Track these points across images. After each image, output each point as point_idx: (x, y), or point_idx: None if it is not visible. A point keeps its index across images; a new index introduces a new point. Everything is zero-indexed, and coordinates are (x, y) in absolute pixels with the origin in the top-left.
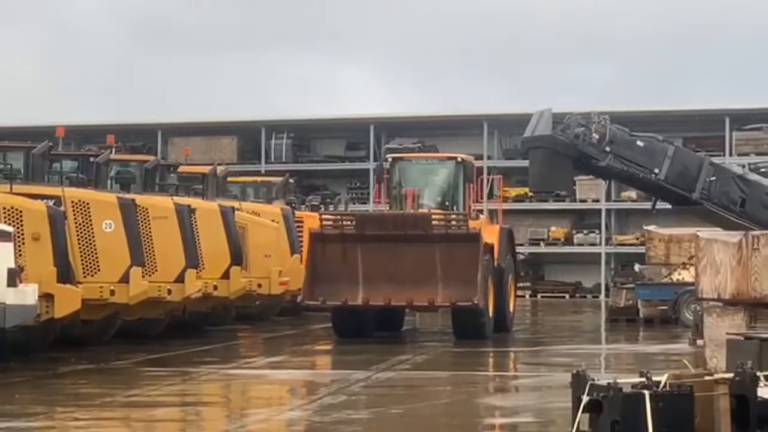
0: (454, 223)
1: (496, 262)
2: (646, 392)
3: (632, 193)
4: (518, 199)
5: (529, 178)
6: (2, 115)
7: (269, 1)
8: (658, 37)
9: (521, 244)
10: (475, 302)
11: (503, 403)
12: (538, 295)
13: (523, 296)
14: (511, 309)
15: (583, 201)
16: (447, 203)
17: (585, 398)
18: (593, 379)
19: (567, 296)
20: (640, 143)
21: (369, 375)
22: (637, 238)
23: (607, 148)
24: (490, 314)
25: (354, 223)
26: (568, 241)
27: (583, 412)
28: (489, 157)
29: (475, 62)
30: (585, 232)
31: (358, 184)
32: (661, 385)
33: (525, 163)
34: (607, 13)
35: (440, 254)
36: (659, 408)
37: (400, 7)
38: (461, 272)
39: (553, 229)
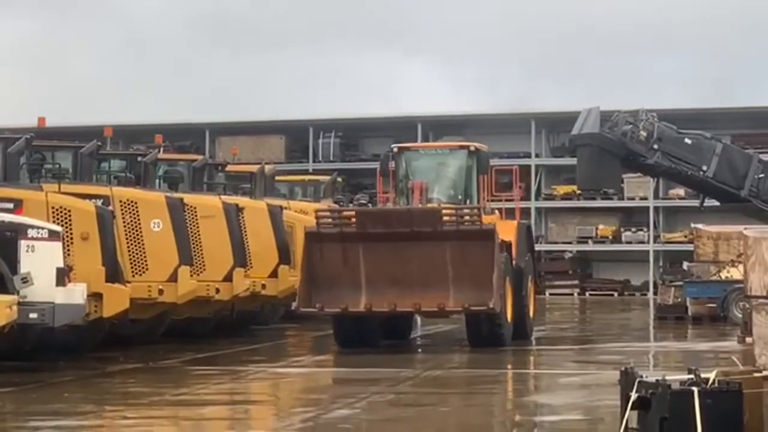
0: (467, 218)
1: (514, 262)
2: (695, 389)
3: (680, 191)
4: (566, 197)
5: (577, 176)
6: (61, 114)
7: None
8: (717, 31)
9: (568, 242)
10: (491, 306)
11: (552, 401)
12: (586, 293)
13: (572, 294)
14: (531, 314)
15: (631, 199)
16: (459, 197)
17: (634, 395)
18: (642, 377)
19: (615, 294)
20: (687, 140)
21: (417, 373)
22: (686, 236)
23: (655, 146)
24: (509, 319)
25: (354, 220)
26: (616, 238)
27: (631, 409)
28: (537, 155)
29: (534, 59)
30: (633, 229)
31: None
32: (710, 382)
33: (573, 161)
34: (668, 7)
35: (451, 253)
36: (708, 405)
37: (462, 4)
38: (475, 273)
39: (601, 227)
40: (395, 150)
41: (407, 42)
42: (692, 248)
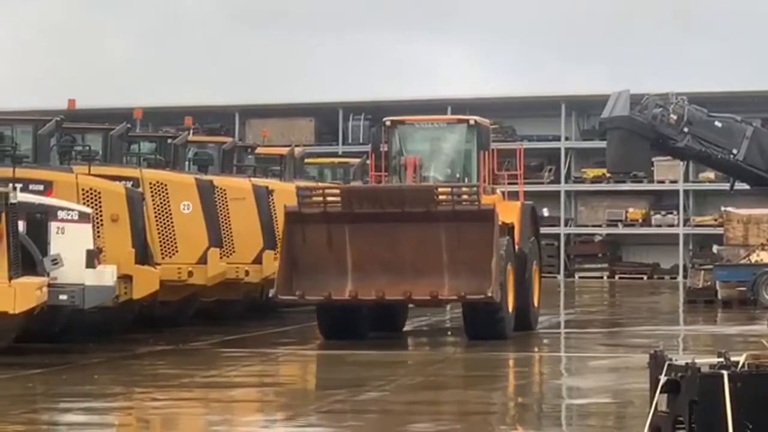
0: (465, 197)
1: (516, 246)
2: (725, 372)
3: (710, 174)
4: (596, 179)
5: (607, 159)
6: (91, 96)
7: None
8: (748, 14)
9: (599, 225)
10: (489, 295)
11: (581, 384)
12: (616, 276)
13: (601, 277)
14: (536, 302)
15: (660, 182)
16: (457, 176)
17: (663, 379)
18: (671, 360)
19: (645, 277)
20: (718, 124)
21: (446, 356)
22: (716, 219)
23: (685, 129)
24: (510, 309)
25: (340, 198)
26: (646, 222)
27: (661, 392)
28: (567, 138)
29: (570, 42)
30: (663, 213)
31: None
32: (740, 365)
33: (603, 144)
34: None
35: (446, 236)
36: (737, 388)
37: None
38: (472, 258)
39: (630, 210)
40: (387, 124)
41: (439, 24)
42: (722, 231)
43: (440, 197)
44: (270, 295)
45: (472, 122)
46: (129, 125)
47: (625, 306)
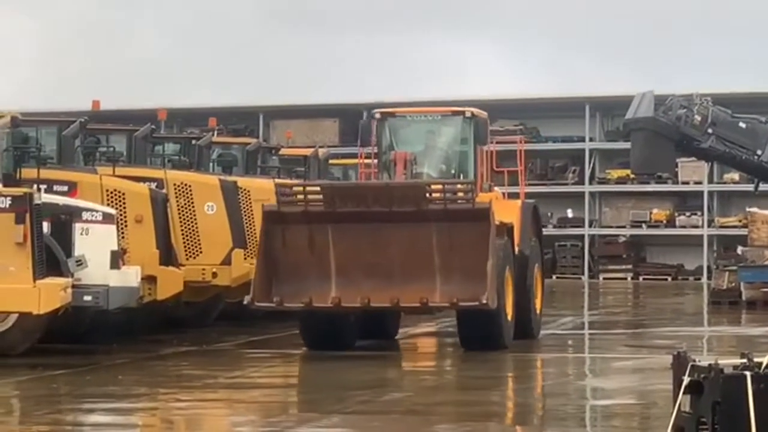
0: (461, 194)
1: (516, 248)
2: (748, 373)
3: (735, 175)
4: (620, 180)
5: (631, 160)
6: (116, 98)
7: None
8: None
9: (623, 226)
10: (484, 302)
11: (605, 385)
12: (640, 278)
13: (625, 278)
14: (537, 309)
15: (685, 183)
16: (452, 172)
17: (686, 380)
18: (694, 361)
19: (669, 278)
20: (742, 125)
21: (469, 355)
22: (740, 220)
23: (710, 130)
24: (509, 316)
25: (322, 196)
26: (670, 223)
27: (684, 393)
28: (591, 139)
29: (594, 43)
30: (687, 214)
31: None
32: (763, 366)
33: (627, 145)
34: None
35: (438, 237)
36: (761, 389)
37: None
38: (466, 262)
39: (655, 211)
40: (377, 116)
41: (466, 26)
42: (746, 233)
43: (434, 194)
44: (245, 302)
45: (468, 114)
46: (153, 126)
47: (649, 307)
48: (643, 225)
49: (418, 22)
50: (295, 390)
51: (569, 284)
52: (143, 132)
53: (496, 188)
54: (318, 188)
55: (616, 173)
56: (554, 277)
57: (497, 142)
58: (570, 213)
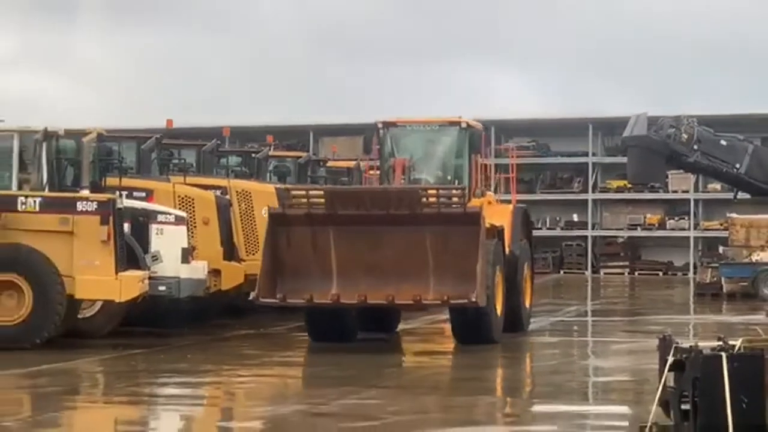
0: (455, 199)
1: (507, 249)
2: (723, 354)
3: (717, 185)
4: (619, 190)
5: (628, 172)
6: (191, 116)
7: (435, 13)
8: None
9: (620, 229)
10: (473, 300)
11: (605, 365)
12: (636, 273)
13: (623, 273)
14: (527, 305)
15: (674, 192)
16: (449, 178)
17: (670, 359)
18: (677, 343)
19: (660, 274)
20: (723, 142)
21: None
22: (721, 224)
23: (695, 147)
24: (499, 312)
25: (324, 200)
26: (662, 226)
27: (669, 371)
28: (593, 154)
29: (603, 70)
30: (676, 218)
31: None
32: (736, 348)
33: (624, 159)
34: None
35: (432, 239)
36: (734, 367)
37: (538, 19)
38: (457, 262)
39: (648, 216)
40: (380, 125)
41: (495, 57)
42: (727, 234)
43: (430, 199)
44: (251, 297)
45: (464, 125)
46: (219, 142)
47: (643, 298)
48: (638, 228)
49: (453, 51)
50: (342, 366)
51: (574, 278)
52: (210, 147)
53: (489, 193)
54: (320, 192)
55: (615, 183)
56: (561, 272)
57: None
58: (575, 217)
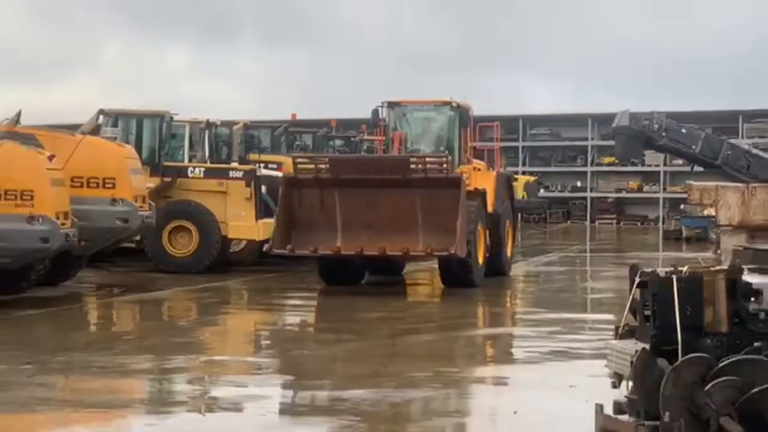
0: (439, 165)
1: (491, 208)
2: (674, 276)
3: (679, 161)
4: (609, 164)
5: (615, 152)
6: (310, 111)
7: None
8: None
9: (610, 192)
10: (452, 252)
11: (597, 286)
12: (621, 223)
13: (611, 224)
14: (509, 254)
15: (649, 166)
16: (441, 149)
17: (637, 280)
18: (642, 269)
19: (639, 224)
20: (683, 130)
21: (515, 275)
22: (682, 189)
23: (663, 134)
24: (480, 261)
25: (329, 166)
26: (640, 189)
27: (636, 287)
28: (592, 139)
29: (599, 76)
30: (651, 184)
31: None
32: (683, 272)
33: (612, 142)
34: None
35: (420, 200)
36: (681, 286)
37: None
38: (442, 220)
39: (630, 182)
40: (385, 105)
41: (517, 65)
42: (686, 196)
43: (412, 166)
44: (264, 248)
45: (455, 104)
46: (328, 130)
47: (626, 240)
48: (623, 191)
49: (492, 62)
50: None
51: (578, 227)
52: (322, 132)
53: (475, 161)
54: (326, 159)
55: (607, 160)
56: (569, 222)
57: (480, 126)
58: (579, 183)
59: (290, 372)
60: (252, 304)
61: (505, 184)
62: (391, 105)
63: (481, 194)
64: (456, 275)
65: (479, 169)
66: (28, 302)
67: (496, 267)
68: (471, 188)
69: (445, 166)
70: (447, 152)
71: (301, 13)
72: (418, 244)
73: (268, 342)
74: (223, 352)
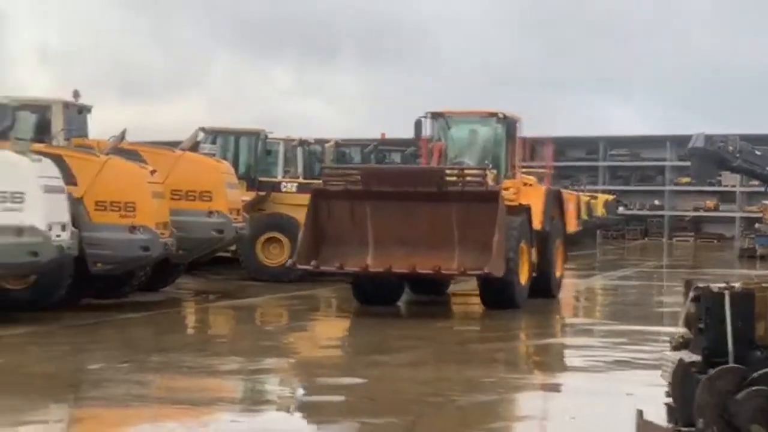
0: (473, 179)
1: (538, 225)
2: (726, 291)
3: (754, 182)
4: (686, 184)
5: (691, 172)
6: (395, 131)
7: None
8: None
9: (687, 210)
10: (486, 271)
11: (667, 300)
12: (698, 241)
13: (688, 241)
14: (558, 273)
15: (725, 186)
16: (486, 162)
17: (692, 294)
18: (697, 284)
19: (715, 242)
20: (757, 152)
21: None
22: (758, 208)
23: (738, 155)
24: (522, 282)
25: (360, 178)
26: (716, 208)
27: (690, 301)
28: (669, 160)
29: (674, 96)
30: (727, 204)
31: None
32: (736, 287)
33: (689, 163)
34: None
35: (456, 215)
36: (734, 301)
37: (640, 58)
38: (479, 236)
39: (707, 202)
40: (429, 116)
41: (609, 89)
42: (761, 215)
43: (447, 178)
44: (288, 264)
45: (501, 116)
46: (377, 143)
47: (701, 257)
48: (700, 210)
49: (575, 85)
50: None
51: (654, 244)
52: (372, 147)
53: (527, 177)
54: (357, 171)
55: (683, 180)
56: (646, 239)
57: (531, 141)
58: (657, 202)
59: (367, 376)
60: (339, 311)
61: (555, 200)
62: (435, 116)
63: (525, 210)
64: (496, 295)
65: (530, 185)
66: (130, 306)
67: (543, 288)
68: (515, 203)
69: (483, 179)
70: (490, 165)
71: (398, 34)
72: (452, 261)
73: (350, 350)
74: (310, 356)
